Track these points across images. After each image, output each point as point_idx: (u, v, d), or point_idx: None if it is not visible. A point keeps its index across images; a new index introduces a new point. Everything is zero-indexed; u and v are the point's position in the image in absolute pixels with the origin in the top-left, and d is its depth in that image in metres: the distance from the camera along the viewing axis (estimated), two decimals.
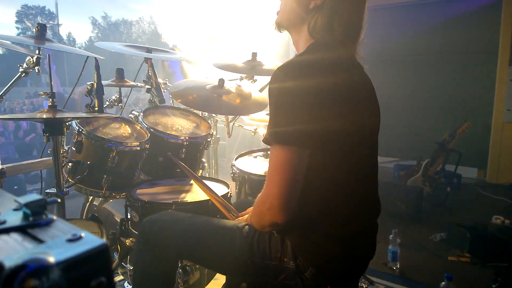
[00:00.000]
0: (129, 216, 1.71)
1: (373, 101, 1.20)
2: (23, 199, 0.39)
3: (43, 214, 0.38)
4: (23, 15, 42.48)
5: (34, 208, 0.38)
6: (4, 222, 0.37)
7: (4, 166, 1.94)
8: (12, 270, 0.28)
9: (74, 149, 1.76)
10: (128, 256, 1.80)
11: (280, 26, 1.22)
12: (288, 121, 1.00)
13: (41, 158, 2.12)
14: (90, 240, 0.32)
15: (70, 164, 1.76)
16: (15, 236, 0.35)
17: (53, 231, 0.35)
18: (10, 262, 0.29)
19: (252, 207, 1.24)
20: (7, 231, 0.36)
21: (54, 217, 0.38)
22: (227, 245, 1.17)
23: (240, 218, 1.34)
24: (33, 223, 0.36)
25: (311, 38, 1.14)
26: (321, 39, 1.11)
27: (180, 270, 1.63)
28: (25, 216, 0.38)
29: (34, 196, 0.39)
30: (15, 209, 0.40)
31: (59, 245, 0.31)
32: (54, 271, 0.28)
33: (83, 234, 0.33)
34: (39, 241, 0.34)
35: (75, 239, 0.32)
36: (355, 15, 1.12)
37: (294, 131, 0.99)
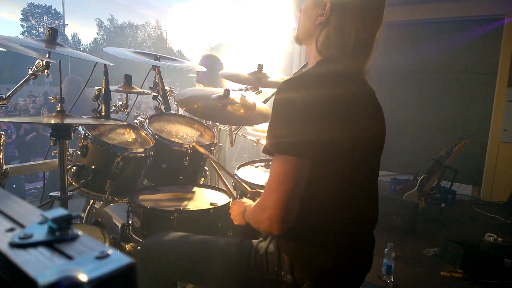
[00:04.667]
0: (130, 222, 1.72)
1: (377, 116, 1.20)
2: (49, 214, 0.40)
3: (69, 229, 0.39)
4: (28, 13, 42.69)
5: (60, 223, 0.39)
6: (31, 236, 0.38)
7: (8, 166, 1.95)
8: None
9: (79, 153, 1.78)
10: None
11: (298, 40, 1.25)
12: (290, 132, 1.00)
13: (44, 160, 2.13)
14: (118, 258, 0.33)
15: (74, 167, 1.78)
16: (43, 251, 0.36)
17: (79, 247, 0.37)
18: (43, 279, 0.30)
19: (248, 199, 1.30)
20: (34, 245, 0.37)
21: (80, 232, 0.39)
22: (224, 262, 1.18)
23: (238, 201, 1.36)
24: (59, 238, 0.38)
25: (318, 54, 1.16)
26: (329, 54, 1.13)
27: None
28: (51, 231, 0.39)
29: (60, 211, 0.41)
30: (40, 223, 0.41)
31: (88, 262, 0.33)
32: None
33: (110, 252, 0.34)
34: (67, 257, 0.35)
35: (103, 256, 0.34)
36: (364, 31, 1.11)
37: (296, 142, 1.00)
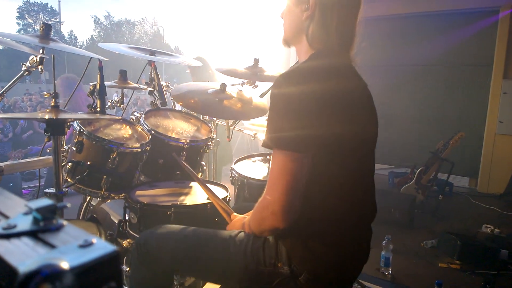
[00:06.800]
0: (127, 218, 1.71)
1: (370, 108, 1.22)
2: (34, 204, 0.40)
3: (53, 219, 0.38)
4: (24, 11, 42.49)
5: (45, 213, 0.39)
6: (14, 226, 0.38)
7: (2, 164, 1.93)
8: (26, 276, 0.29)
9: (74, 149, 1.76)
10: (125, 258, 1.81)
11: (286, 42, 1.27)
12: (289, 127, 1.01)
13: (40, 157, 2.11)
14: (102, 246, 0.32)
15: (69, 164, 1.77)
16: (26, 241, 0.36)
17: (64, 236, 0.36)
18: (24, 267, 0.30)
19: (250, 212, 1.25)
20: (18, 235, 0.36)
21: (64, 222, 0.38)
22: (221, 256, 1.18)
23: (235, 219, 1.35)
24: (43, 228, 0.37)
25: (310, 48, 1.18)
26: (320, 48, 1.15)
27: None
28: (36, 221, 0.38)
29: (44, 201, 0.40)
30: (25, 213, 0.40)
31: (72, 251, 0.32)
32: (67, 276, 0.29)
33: (94, 240, 0.34)
34: (51, 246, 0.34)
35: (87, 245, 0.33)
36: (347, 23, 1.15)
37: (295, 136, 1.00)
